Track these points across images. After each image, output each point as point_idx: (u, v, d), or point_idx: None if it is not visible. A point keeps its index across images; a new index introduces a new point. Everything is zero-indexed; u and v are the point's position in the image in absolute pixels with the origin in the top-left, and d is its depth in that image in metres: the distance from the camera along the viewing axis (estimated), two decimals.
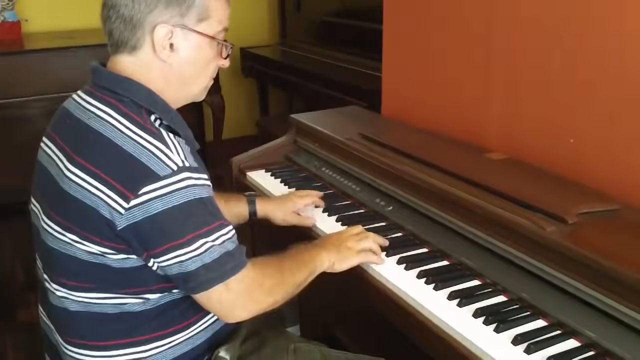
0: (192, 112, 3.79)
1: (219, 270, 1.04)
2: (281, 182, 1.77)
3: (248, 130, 4.21)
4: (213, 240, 1.03)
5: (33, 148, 1.20)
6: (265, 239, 1.95)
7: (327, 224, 1.49)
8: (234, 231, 1.09)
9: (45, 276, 1.15)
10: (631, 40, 1.30)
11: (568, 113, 1.46)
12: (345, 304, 2.00)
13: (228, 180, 1.97)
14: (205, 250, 1.02)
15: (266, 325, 1.33)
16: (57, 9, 3.64)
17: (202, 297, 1.06)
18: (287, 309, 1.86)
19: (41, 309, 1.22)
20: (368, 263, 1.29)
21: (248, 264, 1.09)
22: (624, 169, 1.35)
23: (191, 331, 1.15)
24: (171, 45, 1.08)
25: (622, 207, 1.24)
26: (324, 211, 1.55)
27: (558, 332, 1.05)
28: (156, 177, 0.99)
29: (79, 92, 1.14)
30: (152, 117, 1.07)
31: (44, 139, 1.16)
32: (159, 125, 1.07)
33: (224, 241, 1.05)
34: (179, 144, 1.05)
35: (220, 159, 3.21)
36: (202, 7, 1.09)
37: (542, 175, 1.43)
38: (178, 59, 1.10)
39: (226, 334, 1.22)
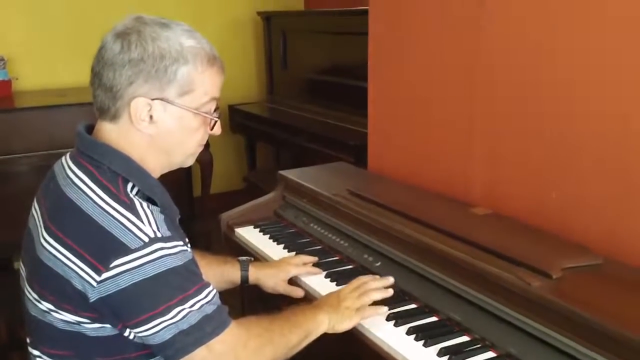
0: (180, 167, 3.81)
1: (196, 334, 1.02)
2: (270, 238, 1.78)
3: (236, 184, 4.23)
4: (190, 307, 1.02)
5: (20, 204, 1.20)
6: (255, 296, 1.94)
7: (316, 280, 1.50)
8: (214, 292, 1.07)
9: (28, 340, 1.15)
10: (607, 100, 1.35)
11: (549, 169, 1.51)
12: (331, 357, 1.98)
13: (215, 236, 1.97)
14: (182, 318, 1.01)
15: None
16: (48, 67, 3.69)
17: None
18: None
19: None
20: (368, 317, 1.27)
21: (232, 324, 1.07)
22: (606, 223, 1.38)
23: None
24: (151, 117, 1.08)
25: (604, 261, 1.27)
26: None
27: None
28: (127, 250, 0.99)
29: (67, 155, 1.14)
30: (129, 186, 1.07)
31: (34, 200, 1.16)
32: (136, 193, 1.07)
33: (202, 305, 1.04)
34: (152, 213, 1.04)
35: (208, 214, 3.22)
36: (185, 81, 1.07)
37: (526, 229, 1.46)
38: (158, 130, 1.09)
39: None
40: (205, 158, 3.69)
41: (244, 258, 1.54)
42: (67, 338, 1.06)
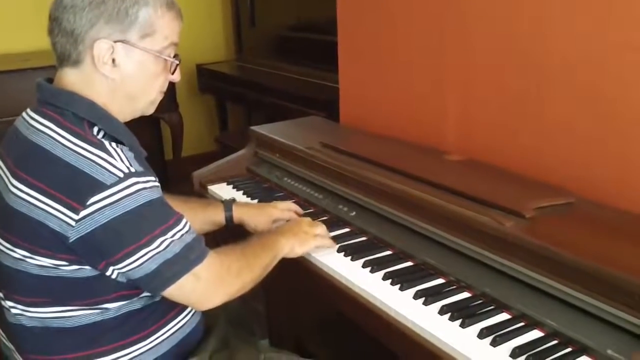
0: (150, 130, 3.75)
1: (182, 262, 1.05)
2: (244, 194, 1.77)
3: (207, 146, 4.19)
4: (172, 237, 1.04)
5: None
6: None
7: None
8: (189, 223, 1.10)
9: (1, 294, 1.13)
10: (579, 45, 1.35)
11: (520, 114, 1.51)
12: (314, 316, 2.00)
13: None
14: (166, 247, 1.03)
15: (237, 337, 1.33)
16: (11, 32, 3.57)
17: (173, 292, 1.06)
18: (256, 323, 1.85)
19: (0, 331, 1.19)
20: (323, 247, 1.35)
21: (211, 252, 1.11)
22: (576, 163, 1.39)
23: (153, 340, 1.15)
24: (113, 60, 1.08)
25: (576, 200, 1.28)
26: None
27: (522, 323, 1.08)
28: (103, 187, 0.99)
29: (27, 109, 1.13)
30: (95, 129, 1.07)
31: None
32: (103, 136, 1.07)
33: (182, 235, 1.06)
34: (122, 151, 1.05)
35: (180, 177, 3.18)
36: (146, 23, 1.08)
37: (499, 173, 1.47)
38: (121, 74, 1.09)
39: (193, 344, 1.21)
40: (174, 120, 3.64)
41: (227, 199, 1.57)
42: (42, 284, 1.06)
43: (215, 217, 1.50)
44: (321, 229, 1.37)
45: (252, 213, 1.52)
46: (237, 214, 1.51)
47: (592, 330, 1.01)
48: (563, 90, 1.40)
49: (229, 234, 1.48)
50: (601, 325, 1.01)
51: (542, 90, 1.44)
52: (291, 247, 1.29)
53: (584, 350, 0.99)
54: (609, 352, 0.96)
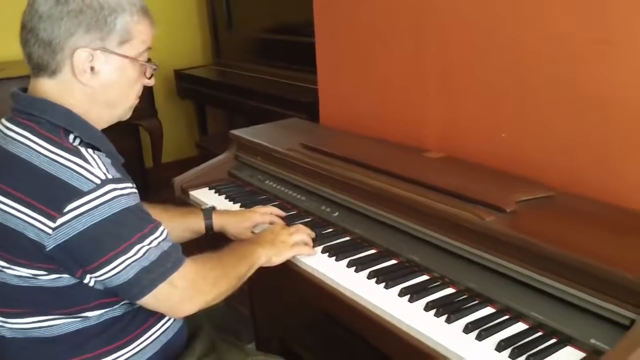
0: (129, 137, 3.73)
1: (159, 270, 1.05)
2: (226, 198, 1.76)
3: (188, 152, 4.17)
4: (149, 244, 1.04)
5: None
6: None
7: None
8: (166, 231, 1.10)
9: None
10: (556, 40, 1.37)
11: (500, 110, 1.52)
12: (300, 317, 2.00)
13: (171, 203, 1.94)
14: (143, 255, 1.03)
15: (223, 341, 1.33)
16: None
17: (149, 300, 1.06)
18: (241, 327, 1.85)
19: None
20: (301, 255, 1.34)
21: (187, 259, 1.10)
22: (556, 158, 1.41)
23: (136, 346, 1.14)
24: (92, 68, 1.08)
25: (556, 193, 1.30)
26: (271, 223, 1.54)
27: (506, 317, 1.09)
28: (80, 193, 0.99)
29: (2, 119, 1.12)
30: (71, 136, 1.07)
31: None
32: (79, 143, 1.07)
33: (159, 242, 1.06)
34: (98, 157, 1.04)
35: (161, 184, 3.15)
36: (124, 30, 1.09)
37: (479, 169, 1.48)
38: (99, 81, 1.10)
39: (178, 349, 1.21)
40: (154, 126, 3.61)
41: (206, 207, 1.56)
42: (22, 294, 1.05)
43: (195, 225, 1.49)
44: (299, 235, 1.36)
45: (233, 220, 1.52)
46: (218, 222, 1.50)
47: (576, 321, 1.02)
48: (541, 86, 1.41)
49: (209, 242, 1.48)
50: (584, 316, 1.02)
51: (521, 86, 1.46)
52: (268, 257, 1.29)
53: (567, 341, 1.00)
54: (592, 341, 0.97)
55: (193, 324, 1.30)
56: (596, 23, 1.28)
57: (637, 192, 1.26)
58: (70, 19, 1.04)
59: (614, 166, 1.30)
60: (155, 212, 1.23)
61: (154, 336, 1.17)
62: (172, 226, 1.38)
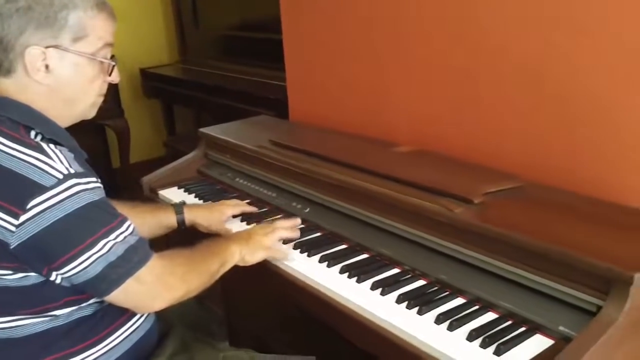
0: (95, 138, 3.67)
1: (125, 265, 1.03)
2: (196, 196, 1.75)
3: (156, 152, 4.12)
4: (114, 239, 1.03)
5: None
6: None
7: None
8: (133, 225, 1.08)
9: None
10: (523, 32, 1.39)
11: (468, 104, 1.54)
12: (273, 314, 2.00)
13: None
14: (109, 250, 1.01)
15: (196, 340, 1.32)
16: None
17: (117, 296, 1.04)
18: (214, 326, 1.83)
19: None
20: (274, 258, 1.33)
21: (155, 255, 1.09)
22: (522, 148, 1.43)
23: (105, 345, 1.13)
24: (46, 66, 1.06)
25: (524, 184, 1.32)
26: (242, 220, 1.54)
27: (477, 307, 1.10)
28: (43, 189, 0.97)
29: None
30: (32, 133, 1.05)
31: None
32: (41, 139, 1.05)
33: (125, 237, 1.04)
34: (60, 152, 1.02)
35: (129, 184, 3.11)
36: (78, 26, 1.07)
37: (447, 162, 1.50)
38: (56, 79, 1.08)
39: (149, 348, 1.20)
40: (121, 126, 3.57)
41: (177, 202, 1.55)
42: None
43: (166, 220, 1.48)
44: (275, 236, 1.34)
45: (205, 213, 1.51)
46: (190, 216, 1.50)
47: (544, 309, 1.04)
48: (507, 79, 1.43)
49: (180, 240, 1.47)
50: (552, 304, 1.04)
51: (485, 80, 1.48)
52: (242, 256, 1.27)
53: (537, 329, 1.02)
54: (561, 328, 0.99)
55: (164, 323, 1.28)
56: (560, 13, 1.30)
57: (602, 182, 1.29)
58: (19, 17, 1.02)
59: (579, 157, 1.33)
60: (124, 209, 1.21)
61: (124, 335, 1.15)
62: (142, 222, 1.38)
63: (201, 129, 1.98)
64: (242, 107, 2.96)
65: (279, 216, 1.54)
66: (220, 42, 3.71)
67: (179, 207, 1.50)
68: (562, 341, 0.98)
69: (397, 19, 1.66)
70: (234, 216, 1.55)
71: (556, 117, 1.36)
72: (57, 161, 1.00)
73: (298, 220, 1.44)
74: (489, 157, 1.48)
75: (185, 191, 1.79)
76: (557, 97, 1.34)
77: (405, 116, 1.72)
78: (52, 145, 1.03)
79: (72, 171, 1.01)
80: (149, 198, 1.84)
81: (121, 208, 1.11)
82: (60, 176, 0.99)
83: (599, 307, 0.96)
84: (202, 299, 1.38)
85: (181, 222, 1.49)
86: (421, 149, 1.61)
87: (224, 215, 1.51)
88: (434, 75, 1.61)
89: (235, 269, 1.28)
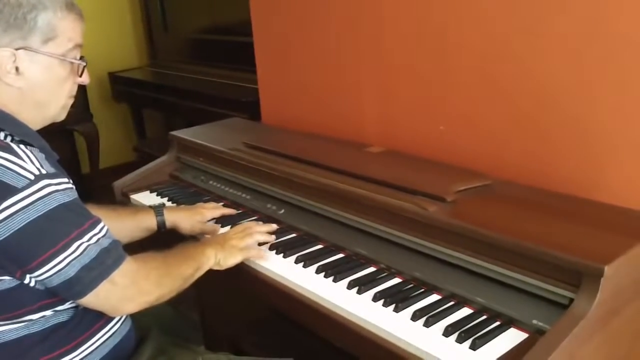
0: (63, 143, 3.61)
1: (99, 268, 1.02)
2: (169, 200, 1.73)
3: (126, 156, 4.07)
4: (88, 241, 1.02)
5: None
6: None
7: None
8: (106, 227, 1.07)
9: None
10: (487, 33, 1.41)
11: (436, 104, 1.56)
12: (250, 317, 1.99)
13: None
14: (83, 252, 1.01)
15: (173, 344, 1.31)
16: None
17: (90, 299, 1.03)
18: (191, 330, 1.82)
19: None
20: (250, 258, 1.32)
21: (128, 257, 1.08)
22: (493, 148, 1.46)
23: (82, 351, 1.11)
24: (17, 68, 1.05)
25: (493, 182, 1.34)
26: (216, 222, 1.53)
27: (452, 303, 1.12)
28: (14, 191, 0.96)
29: None
30: (2, 134, 1.04)
31: None
32: (10, 140, 1.03)
33: (98, 239, 1.04)
34: (31, 152, 1.01)
35: (100, 190, 3.06)
36: (48, 27, 1.06)
37: (419, 162, 1.52)
38: (26, 81, 1.07)
39: (126, 354, 1.18)
40: (89, 131, 3.52)
41: (156, 204, 1.54)
42: None
43: (146, 222, 1.47)
44: (251, 239, 1.34)
45: (185, 215, 1.50)
46: (170, 218, 1.49)
47: (518, 303, 1.06)
48: (472, 80, 1.46)
49: (154, 244, 1.46)
50: (526, 298, 1.06)
51: (451, 81, 1.50)
52: (217, 260, 1.26)
53: (511, 323, 1.04)
54: (534, 322, 1.01)
55: (141, 328, 1.27)
56: (523, 14, 1.33)
57: (568, 179, 1.32)
58: None
59: (545, 155, 1.36)
60: (102, 212, 1.20)
61: (101, 340, 1.14)
62: (121, 226, 1.37)
63: (172, 132, 1.96)
64: (213, 110, 2.95)
65: (253, 218, 1.54)
66: (190, 45, 3.69)
67: (159, 210, 1.49)
68: (536, 334, 1.00)
69: (369, 23, 1.68)
70: (216, 223, 1.54)
71: (519, 118, 1.38)
72: (28, 162, 0.99)
73: (274, 226, 1.44)
74: (458, 156, 1.51)
75: (157, 195, 1.78)
76: (518, 97, 1.37)
77: (376, 118, 1.74)
78: (22, 146, 1.01)
79: (43, 172, 0.99)
80: (122, 202, 1.82)
81: (100, 211, 1.10)
82: (32, 177, 0.98)
83: (571, 300, 0.98)
84: (177, 305, 1.37)
85: (162, 224, 1.48)
86: (392, 149, 1.63)
87: (205, 217, 1.51)
88: (400, 76, 1.63)
89: (211, 272, 1.28)
